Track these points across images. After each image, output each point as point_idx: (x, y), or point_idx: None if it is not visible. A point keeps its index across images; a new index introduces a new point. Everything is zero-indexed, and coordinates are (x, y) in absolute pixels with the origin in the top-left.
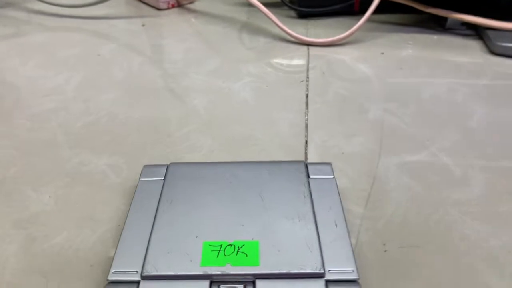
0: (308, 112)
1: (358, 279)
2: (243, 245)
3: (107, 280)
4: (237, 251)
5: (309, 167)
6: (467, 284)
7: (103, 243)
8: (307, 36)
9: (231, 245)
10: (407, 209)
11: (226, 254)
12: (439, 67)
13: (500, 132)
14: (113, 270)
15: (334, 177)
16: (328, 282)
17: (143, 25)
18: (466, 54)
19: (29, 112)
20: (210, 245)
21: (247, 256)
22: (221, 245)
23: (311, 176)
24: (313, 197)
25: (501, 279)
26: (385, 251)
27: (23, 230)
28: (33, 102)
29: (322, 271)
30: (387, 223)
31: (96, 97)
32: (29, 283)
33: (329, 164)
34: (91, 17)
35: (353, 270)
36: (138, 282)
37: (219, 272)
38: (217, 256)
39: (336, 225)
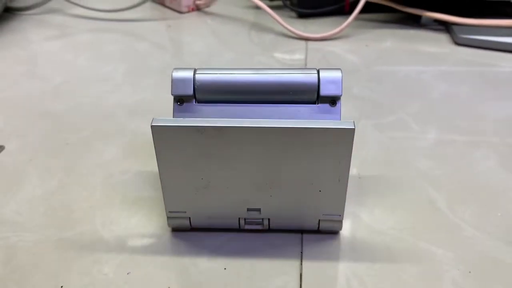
0: None
1: None
2: None
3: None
4: None
5: None
6: (417, 196)
7: None
8: (305, 33)
9: None
10: (377, 152)
11: None
12: (412, 56)
13: (453, 102)
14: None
15: None
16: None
17: (169, 26)
18: (435, 45)
19: (90, 92)
20: None
21: None
22: None
23: None
24: None
25: (438, 193)
26: (359, 178)
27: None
28: (92, 85)
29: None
30: (362, 161)
31: (140, 82)
32: None
33: None
34: (124, 20)
35: None
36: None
37: None
38: None
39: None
